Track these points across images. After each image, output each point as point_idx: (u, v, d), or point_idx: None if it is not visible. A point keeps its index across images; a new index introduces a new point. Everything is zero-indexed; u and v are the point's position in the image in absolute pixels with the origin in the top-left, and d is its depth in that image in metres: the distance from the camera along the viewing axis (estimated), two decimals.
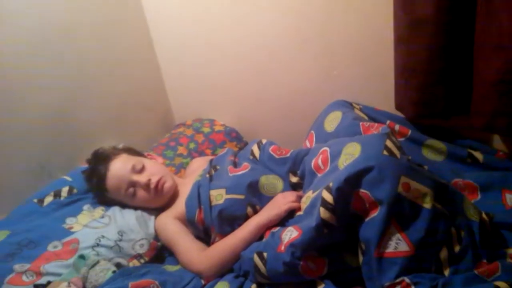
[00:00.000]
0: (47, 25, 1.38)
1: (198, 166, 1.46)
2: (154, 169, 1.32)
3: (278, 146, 1.35)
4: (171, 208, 1.31)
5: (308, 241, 0.97)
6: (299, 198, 1.14)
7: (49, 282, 1.05)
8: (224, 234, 1.17)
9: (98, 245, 1.15)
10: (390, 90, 1.39)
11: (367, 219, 0.93)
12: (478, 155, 1.27)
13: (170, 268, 1.17)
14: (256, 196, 1.20)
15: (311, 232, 0.96)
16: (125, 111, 1.70)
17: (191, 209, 1.23)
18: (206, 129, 1.76)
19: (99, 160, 1.32)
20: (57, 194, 1.29)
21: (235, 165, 1.33)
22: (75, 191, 1.32)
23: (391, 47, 1.32)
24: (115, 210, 1.30)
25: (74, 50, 1.47)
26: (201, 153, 1.66)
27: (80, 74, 1.50)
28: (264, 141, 1.38)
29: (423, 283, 0.85)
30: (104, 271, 1.06)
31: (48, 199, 1.28)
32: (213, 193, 1.22)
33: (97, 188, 1.31)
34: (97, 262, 1.08)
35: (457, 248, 0.93)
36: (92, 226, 1.21)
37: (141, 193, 1.28)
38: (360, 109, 1.43)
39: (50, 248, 1.13)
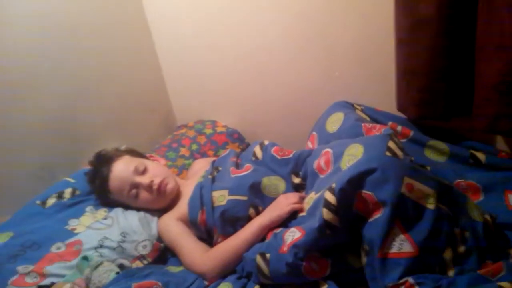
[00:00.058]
0: (49, 27, 1.39)
1: (200, 167, 1.47)
2: (156, 171, 1.32)
3: (280, 147, 1.35)
4: (173, 210, 1.31)
5: (311, 242, 0.97)
6: (302, 199, 1.14)
7: (52, 284, 1.05)
8: (226, 235, 1.17)
9: (101, 246, 1.15)
10: (391, 91, 1.40)
11: (370, 220, 0.93)
12: (480, 156, 1.27)
13: (173, 269, 1.17)
14: (258, 197, 1.20)
15: (314, 233, 0.96)
16: (127, 113, 1.70)
17: (194, 210, 1.23)
18: (208, 131, 1.76)
19: (102, 162, 1.32)
20: (60, 196, 1.30)
21: (237, 166, 1.34)
22: (78, 192, 1.33)
23: (392, 48, 1.33)
24: (118, 211, 1.30)
25: (75, 52, 1.48)
26: (203, 155, 1.66)
27: (82, 76, 1.51)
28: (266, 142, 1.38)
29: (426, 284, 0.85)
30: (107, 272, 1.06)
31: (51, 200, 1.28)
32: (216, 194, 1.22)
33: (100, 190, 1.31)
34: (100, 263, 1.08)
35: (461, 249, 0.93)
36: (95, 227, 1.22)
37: (143, 194, 1.29)
38: (362, 110, 1.43)
39: (53, 249, 1.13)
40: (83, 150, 1.45)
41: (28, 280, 1.05)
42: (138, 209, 1.31)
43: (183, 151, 1.66)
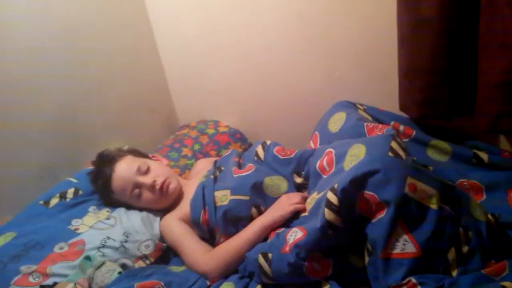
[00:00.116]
0: (51, 28, 1.40)
1: (203, 167, 1.47)
2: (159, 171, 1.33)
3: (282, 147, 1.35)
4: (176, 209, 1.31)
5: (313, 242, 0.97)
6: (304, 199, 1.14)
7: (55, 283, 1.05)
8: (228, 235, 1.17)
9: (104, 246, 1.16)
10: (392, 92, 1.39)
11: (373, 220, 0.93)
12: (483, 155, 1.27)
13: (176, 269, 1.17)
14: (260, 197, 1.20)
15: (316, 233, 0.96)
16: (130, 113, 1.71)
17: (196, 210, 1.23)
18: (211, 131, 1.76)
19: (105, 162, 1.32)
20: (62, 196, 1.30)
21: (240, 166, 1.34)
22: (80, 192, 1.33)
23: (393, 49, 1.32)
24: (121, 211, 1.30)
25: (78, 52, 1.48)
26: (206, 155, 1.67)
27: (85, 76, 1.51)
28: (268, 142, 1.38)
29: (428, 283, 0.84)
30: (110, 272, 1.06)
31: (54, 200, 1.29)
32: (218, 194, 1.22)
33: (102, 190, 1.31)
34: (103, 263, 1.09)
35: (465, 249, 0.92)
36: (98, 227, 1.22)
37: (146, 194, 1.29)
38: (364, 110, 1.43)
39: (56, 249, 1.14)
40: (85, 150, 1.45)
41: (31, 279, 1.05)
42: (141, 209, 1.32)
43: (186, 151, 1.66)
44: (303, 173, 1.24)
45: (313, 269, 0.98)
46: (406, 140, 1.33)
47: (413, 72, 1.27)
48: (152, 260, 1.21)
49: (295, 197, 1.15)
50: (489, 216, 1.04)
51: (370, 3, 1.42)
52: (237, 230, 1.17)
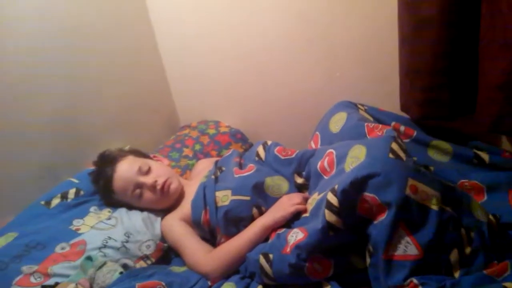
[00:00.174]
0: (53, 28, 1.40)
1: (204, 167, 1.47)
2: (160, 171, 1.33)
3: (283, 147, 1.35)
4: (177, 210, 1.32)
5: (314, 244, 0.97)
6: (305, 200, 1.14)
7: (56, 283, 1.05)
8: (230, 235, 1.18)
9: (105, 246, 1.16)
10: (392, 92, 1.39)
11: (375, 222, 0.92)
12: (484, 156, 1.27)
13: (177, 269, 1.17)
14: (261, 197, 1.20)
15: (317, 234, 0.96)
16: (131, 114, 1.71)
17: (197, 210, 1.23)
18: (212, 131, 1.76)
19: (106, 162, 1.33)
20: (64, 196, 1.31)
21: (241, 166, 1.34)
22: (82, 193, 1.34)
23: (394, 49, 1.32)
24: (122, 211, 1.30)
25: (79, 52, 1.48)
26: (207, 155, 1.67)
27: (86, 77, 1.52)
28: (269, 142, 1.38)
29: (430, 284, 0.84)
30: (111, 272, 1.06)
31: (55, 201, 1.29)
32: (219, 194, 1.22)
33: (104, 190, 1.32)
34: (104, 263, 1.09)
35: (468, 250, 0.92)
36: (99, 227, 1.22)
37: (147, 194, 1.29)
38: (365, 110, 1.43)
39: (57, 249, 1.14)
40: (87, 150, 1.45)
41: (33, 280, 1.05)
42: (142, 209, 1.32)
43: (187, 151, 1.66)
44: (304, 173, 1.24)
45: (314, 270, 0.98)
46: (407, 140, 1.33)
47: (414, 72, 1.27)
48: (153, 260, 1.21)
49: (296, 197, 1.15)
50: (490, 217, 1.04)
51: (370, 2, 1.42)
52: (238, 231, 1.17)
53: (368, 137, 1.20)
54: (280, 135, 1.65)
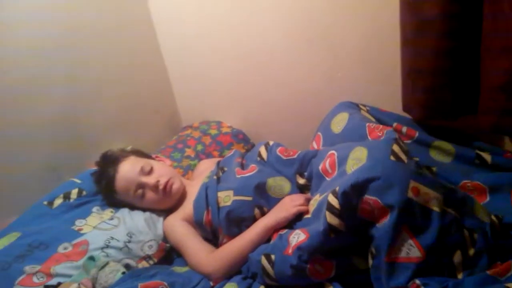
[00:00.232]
0: (55, 29, 1.40)
1: (206, 168, 1.47)
2: (162, 171, 1.33)
3: (285, 148, 1.35)
4: (179, 210, 1.32)
5: (315, 245, 0.97)
6: (307, 201, 1.13)
7: (59, 283, 1.06)
8: (232, 235, 1.18)
9: (107, 246, 1.16)
10: (394, 92, 1.39)
11: (378, 225, 0.92)
12: (486, 156, 1.26)
13: (179, 269, 1.17)
14: (263, 198, 1.20)
15: (319, 236, 0.96)
16: (133, 114, 1.72)
17: (199, 210, 1.23)
18: (213, 131, 1.77)
19: (108, 162, 1.33)
20: (66, 196, 1.31)
21: (243, 166, 1.34)
22: (84, 193, 1.34)
23: (395, 49, 1.32)
24: (124, 211, 1.31)
25: (82, 53, 1.49)
26: (209, 155, 1.67)
27: (88, 77, 1.52)
28: (271, 142, 1.38)
29: (432, 285, 0.84)
30: (113, 272, 1.07)
31: (58, 201, 1.29)
32: (221, 194, 1.22)
33: (106, 190, 1.32)
34: (107, 263, 1.09)
35: (471, 252, 0.92)
36: (102, 227, 1.23)
37: (149, 194, 1.29)
38: (367, 111, 1.43)
39: (60, 249, 1.14)
40: (89, 151, 1.46)
41: (35, 280, 1.05)
42: (144, 210, 1.32)
43: (189, 151, 1.66)
44: (306, 174, 1.24)
45: (316, 271, 0.98)
46: (409, 141, 1.33)
47: (416, 72, 1.26)
48: (156, 260, 1.22)
49: (299, 198, 1.15)
50: (493, 217, 1.04)
51: (372, 3, 1.42)
52: (240, 231, 1.17)
53: (369, 137, 1.19)
54: (281, 135, 1.65)
